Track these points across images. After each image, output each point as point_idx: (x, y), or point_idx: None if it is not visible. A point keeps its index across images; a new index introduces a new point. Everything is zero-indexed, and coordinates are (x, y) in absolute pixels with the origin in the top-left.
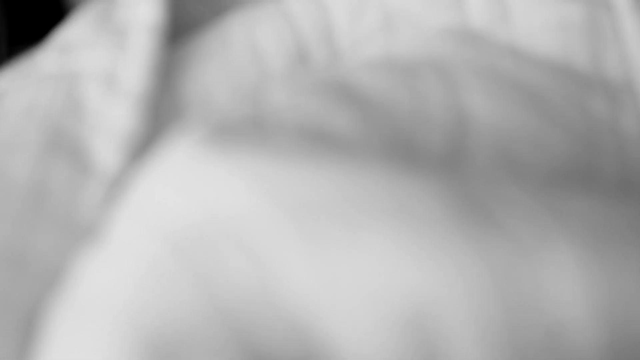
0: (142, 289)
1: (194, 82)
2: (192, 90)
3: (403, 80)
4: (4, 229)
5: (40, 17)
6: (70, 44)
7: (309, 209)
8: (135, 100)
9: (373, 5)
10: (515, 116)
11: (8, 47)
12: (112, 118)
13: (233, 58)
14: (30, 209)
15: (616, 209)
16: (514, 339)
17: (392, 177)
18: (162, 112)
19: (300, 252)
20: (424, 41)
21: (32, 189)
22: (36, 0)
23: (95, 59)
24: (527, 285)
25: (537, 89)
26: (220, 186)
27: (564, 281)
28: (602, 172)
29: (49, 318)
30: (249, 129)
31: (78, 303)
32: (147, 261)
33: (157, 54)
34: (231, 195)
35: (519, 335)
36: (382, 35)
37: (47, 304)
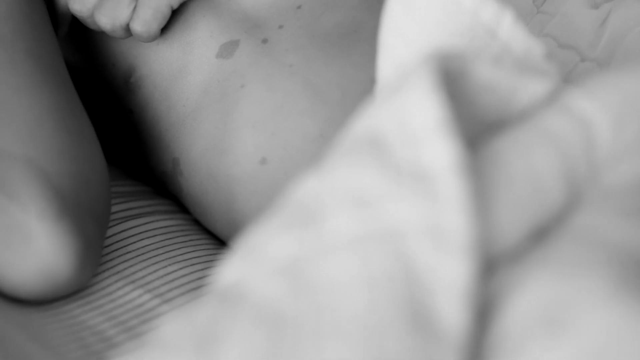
0: None
1: (485, 218)
2: (491, 228)
3: None
4: None
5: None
6: (362, 197)
7: None
8: (467, 251)
9: (632, 116)
10: None
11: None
12: (451, 275)
13: (519, 191)
14: None
15: None
16: None
17: None
18: None
19: None
20: None
21: None
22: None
23: (410, 212)
24: None
25: None
26: None
27: None
28: None
29: None
30: None
31: None
32: None
33: (470, 195)
34: None
35: None
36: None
37: None
